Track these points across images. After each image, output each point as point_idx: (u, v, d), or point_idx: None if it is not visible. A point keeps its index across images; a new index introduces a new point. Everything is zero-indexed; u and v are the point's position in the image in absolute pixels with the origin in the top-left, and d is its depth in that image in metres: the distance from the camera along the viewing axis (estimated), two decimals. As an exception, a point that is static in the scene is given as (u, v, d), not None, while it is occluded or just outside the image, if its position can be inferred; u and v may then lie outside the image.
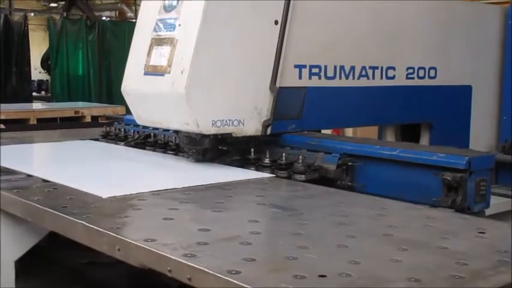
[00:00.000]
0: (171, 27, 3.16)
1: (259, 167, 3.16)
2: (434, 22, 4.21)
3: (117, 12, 18.29)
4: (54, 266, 4.83)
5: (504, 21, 4.70)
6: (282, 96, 3.30)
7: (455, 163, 2.71)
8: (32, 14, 17.03)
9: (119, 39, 13.05)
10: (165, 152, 3.72)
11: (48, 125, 6.67)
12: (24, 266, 4.41)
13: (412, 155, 2.90)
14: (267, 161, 3.15)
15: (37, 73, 17.46)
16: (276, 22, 3.24)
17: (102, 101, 11.99)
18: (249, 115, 3.21)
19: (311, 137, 3.33)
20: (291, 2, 3.26)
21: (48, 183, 2.75)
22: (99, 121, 7.64)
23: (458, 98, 4.37)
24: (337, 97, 3.62)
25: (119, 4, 18.32)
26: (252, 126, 3.23)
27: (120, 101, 4.11)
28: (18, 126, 6.42)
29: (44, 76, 17.93)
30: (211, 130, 3.09)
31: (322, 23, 3.52)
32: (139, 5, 3.58)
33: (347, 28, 3.66)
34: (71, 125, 6.64)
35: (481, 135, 4.46)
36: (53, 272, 4.72)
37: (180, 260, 1.71)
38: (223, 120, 3.10)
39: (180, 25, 3.12)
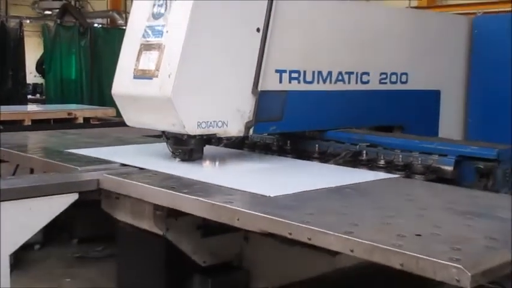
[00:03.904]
0: (159, 33, 3.15)
1: (374, 168, 3.27)
2: (405, 31, 4.24)
3: (108, 19, 18.14)
4: (47, 259, 4.79)
5: (470, 30, 4.75)
6: (263, 99, 3.30)
7: (487, 154, 3.06)
8: (28, 21, 16.86)
9: (110, 45, 12.93)
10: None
11: (42, 126, 6.60)
12: (19, 259, 4.37)
13: (449, 147, 3.23)
14: (382, 162, 3.28)
15: (32, 77, 17.28)
16: (258, 30, 3.24)
17: (93, 104, 11.87)
18: (232, 117, 3.21)
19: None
20: (272, 11, 3.27)
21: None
22: (91, 122, 7.61)
23: (428, 102, 4.40)
24: (315, 100, 3.63)
25: (110, 12, 18.17)
26: (235, 128, 3.24)
27: (111, 103, 4.09)
28: (13, 127, 6.35)
29: (39, 80, 17.72)
30: (196, 131, 3.09)
31: (301, 31, 3.54)
32: (129, 13, 3.56)
33: (325, 36, 3.68)
34: (63, 126, 6.57)
35: (449, 136, 4.49)
36: (46, 265, 4.69)
37: (299, 224, 2.00)
38: (208, 121, 3.10)
39: (167, 31, 3.12)
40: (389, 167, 3.26)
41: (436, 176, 3.16)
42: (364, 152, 3.46)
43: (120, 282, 3.42)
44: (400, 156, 3.30)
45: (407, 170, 3.22)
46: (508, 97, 4.50)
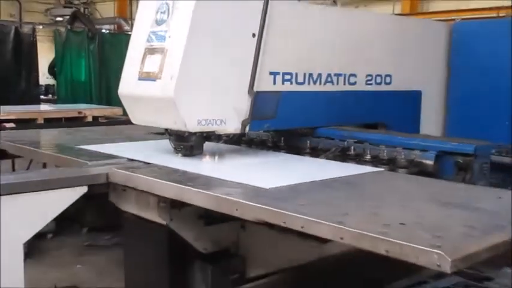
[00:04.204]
0: (162, 38, 3.14)
1: (361, 162, 3.28)
2: (390, 35, 4.23)
3: (115, 25, 18.10)
4: (59, 247, 4.79)
5: (450, 35, 4.75)
6: (258, 99, 3.30)
7: (465, 149, 3.06)
8: (40, 27, 16.77)
9: (117, 49, 12.90)
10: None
11: (53, 124, 6.58)
12: (33, 248, 4.36)
13: (430, 143, 3.22)
14: (368, 157, 3.29)
15: (44, 78, 17.21)
16: (254, 35, 3.23)
17: (102, 103, 11.87)
18: (230, 115, 3.20)
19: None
20: (267, 18, 3.26)
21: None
22: (99, 121, 7.60)
23: (410, 101, 4.40)
24: (306, 100, 3.63)
25: (117, 18, 18.15)
26: (232, 125, 3.23)
27: (118, 103, 4.08)
28: (27, 125, 6.33)
29: (51, 81, 17.67)
30: (196, 128, 3.08)
31: (293, 36, 3.52)
32: (134, 19, 3.55)
33: (315, 40, 3.67)
34: (74, 124, 6.56)
35: (430, 134, 4.49)
36: (58, 253, 4.68)
37: (293, 214, 2.02)
38: (207, 119, 3.10)
39: (169, 37, 3.10)
40: (375, 162, 3.27)
41: (418, 170, 3.16)
42: (352, 147, 3.46)
43: (127, 269, 3.42)
44: (385, 151, 3.30)
45: (392, 164, 3.22)
46: (485, 97, 4.51)
